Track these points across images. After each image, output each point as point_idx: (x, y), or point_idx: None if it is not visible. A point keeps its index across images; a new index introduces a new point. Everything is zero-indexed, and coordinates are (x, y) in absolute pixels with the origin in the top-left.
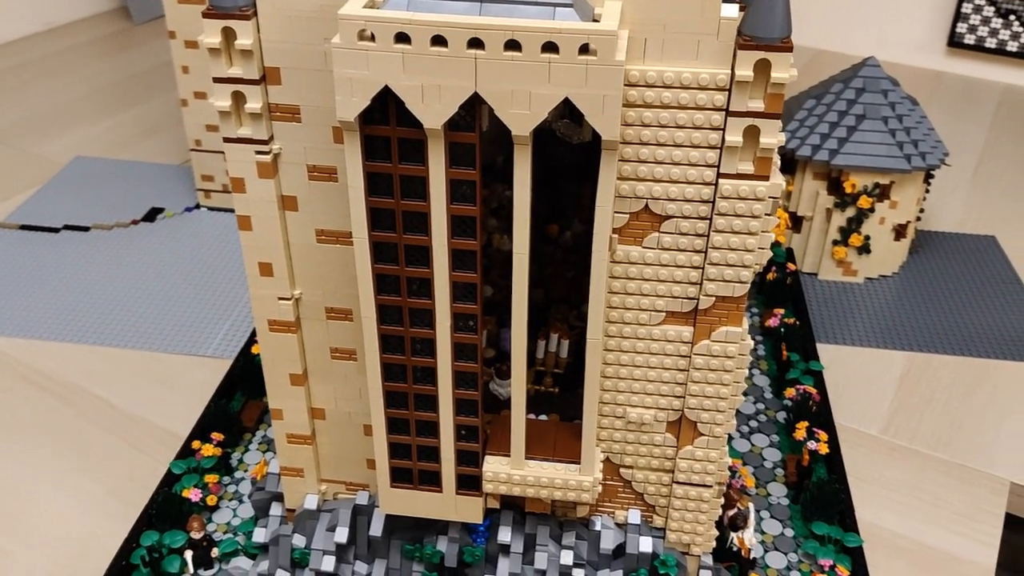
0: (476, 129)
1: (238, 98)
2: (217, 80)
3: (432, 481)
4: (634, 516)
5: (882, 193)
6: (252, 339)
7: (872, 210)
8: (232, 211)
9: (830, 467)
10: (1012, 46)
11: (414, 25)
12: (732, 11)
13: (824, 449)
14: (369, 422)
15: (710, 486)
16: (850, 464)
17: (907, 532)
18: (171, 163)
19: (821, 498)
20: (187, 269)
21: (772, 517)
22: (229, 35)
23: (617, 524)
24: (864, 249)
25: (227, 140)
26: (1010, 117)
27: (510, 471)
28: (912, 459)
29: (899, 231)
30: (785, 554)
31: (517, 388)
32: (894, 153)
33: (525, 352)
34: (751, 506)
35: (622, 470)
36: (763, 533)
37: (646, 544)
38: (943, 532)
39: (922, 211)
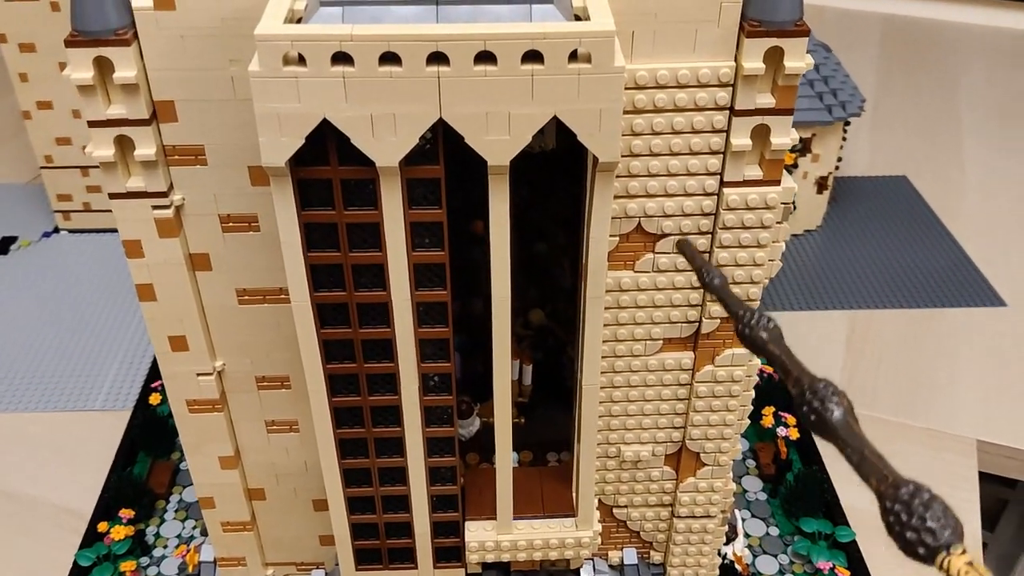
0: (439, 160)
1: (124, 144)
2: (94, 124)
3: (405, 558)
4: (630, 556)
5: (804, 147)
6: (148, 385)
7: (795, 165)
8: (102, 231)
9: (803, 453)
10: None
11: (357, 41)
12: None
13: (795, 434)
14: (319, 496)
15: (714, 517)
16: (819, 443)
17: None
18: (16, 182)
19: (803, 492)
20: (55, 306)
21: (753, 516)
22: (104, 66)
23: (611, 566)
24: None
25: (114, 196)
26: (896, 50)
27: (497, 537)
28: (876, 428)
29: (821, 184)
30: (775, 556)
31: (502, 445)
32: (815, 105)
33: (510, 404)
34: (736, 512)
35: (616, 511)
36: (748, 536)
37: None
38: None
39: (840, 160)
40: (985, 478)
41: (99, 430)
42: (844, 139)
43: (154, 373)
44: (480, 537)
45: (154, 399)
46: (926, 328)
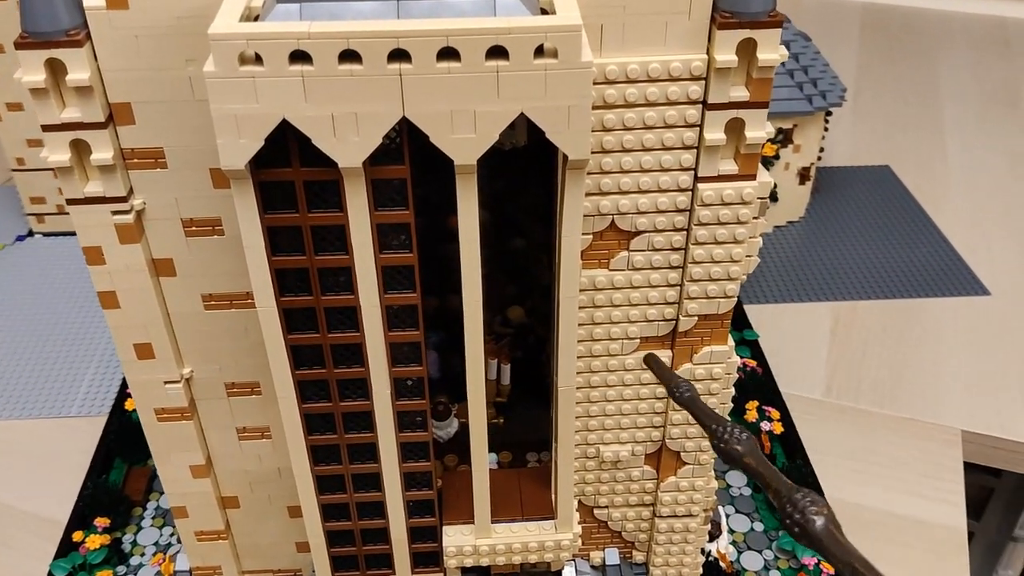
0: (405, 160)
1: (80, 148)
2: (48, 128)
3: (382, 564)
4: (612, 556)
5: (785, 138)
6: (124, 391)
7: (777, 157)
8: (75, 234)
9: (786, 447)
10: None
11: (315, 39)
12: None
13: (778, 428)
14: (294, 503)
15: (696, 516)
16: (803, 437)
17: (871, 503)
18: None
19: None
20: (29, 311)
21: (737, 512)
22: (57, 68)
23: (593, 567)
24: (772, 198)
25: (72, 202)
26: (875, 39)
27: (475, 541)
28: (861, 420)
29: (803, 175)
30: (760, 552)
31: (478, 448)
32: (795, 95)
33: (485, 408)
34: (720, 509)
35: (596, 511)
36: (732, 532)
37: None
38: (908, 497)
39: (822, 151)
40: (970, 467)
41: (75, 437)
42: (826, 129)
43: None
44: (458, 541)
45: (130, 405)
46: (910, 318)
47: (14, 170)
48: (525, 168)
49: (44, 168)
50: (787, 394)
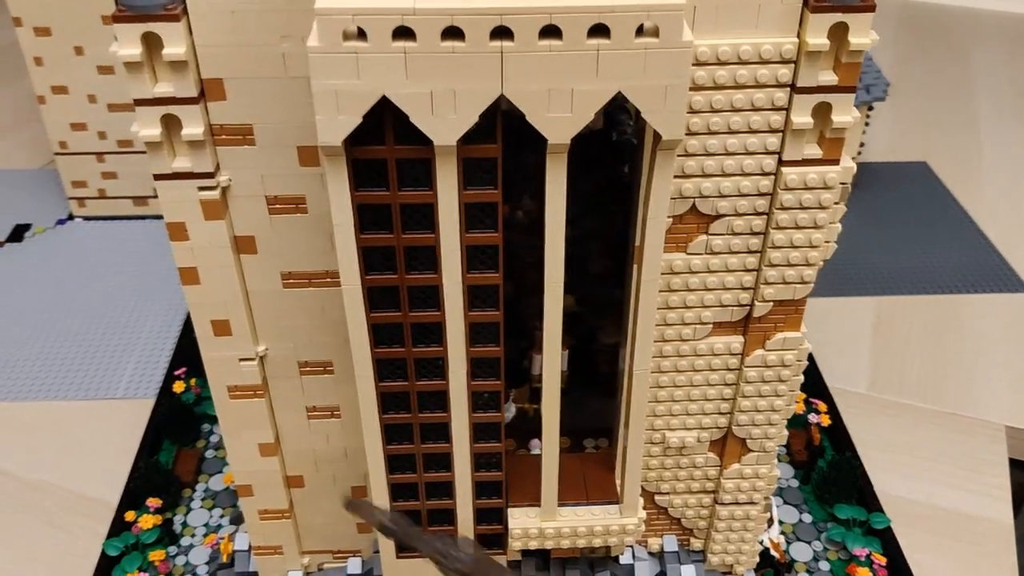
0: (497, 139)
1: (170, 123)
2: (140, 103)
3: None
4: (670, 543)
5: None
6: (171, 373)
7: None
8: (117, 218)
9: (834, 439)
10: None
11: (420, 16)
12: None
13: (826, 420)
14: (358, 483)
15: (757, 503)
16: (849, 430)
17: (918, 496)
18: (29, 168)
19: (837, 478)
20: (71, 294)
21: (786, 503)
22: (152, 42)
23: (651, 553)
24: None
25: (159, 177)
26: (912, 36)
27: (541, 524)
28: (905, 414)
29: None
30: (808, 543)
31: (549, 431)
32: None
33: (559, 396)
34: (771, 499)
35: (657, 497)
36: (781, 523)
37: (688, 572)
38: (954, 491)
39: (863, 145)
40: (1013, 464)
41: (121, 419)
42: (867, 123)
43: (177, 361)
44: (523, 524)
45: (178, 387)
46: (950, 314)
47: (57, 154)
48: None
49: (87, 152)
50: (832, 387)
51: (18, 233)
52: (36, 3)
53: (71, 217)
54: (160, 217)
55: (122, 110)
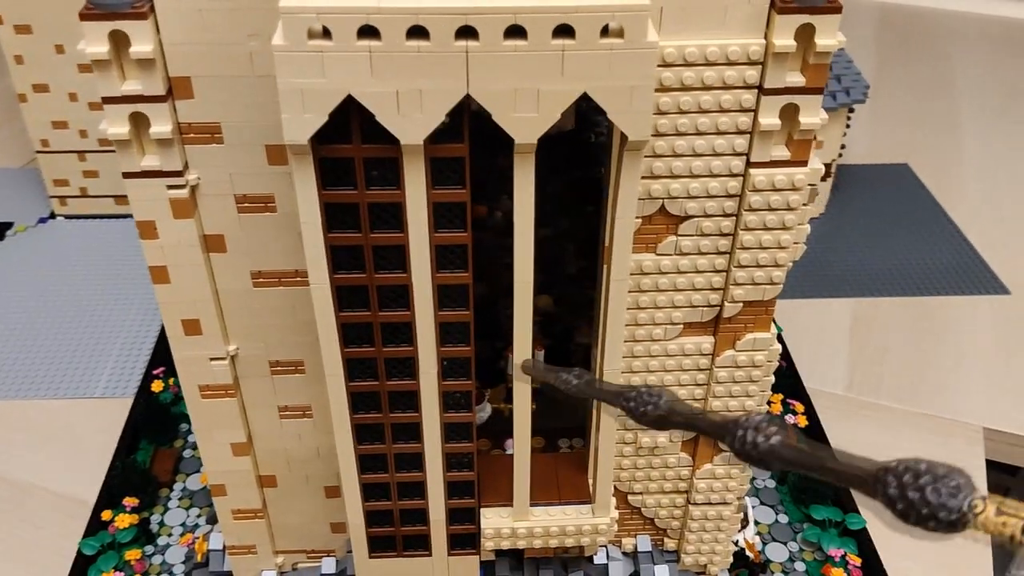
0: (464, 138)
1: (138, 121)
2: (108, 100)
3: (419, 545)
4: (644, 543)
5: None
6: (150, 373)
7: None
8: (99, 217)
9: (811, 440)
10: None
11: (385, 14)
12: None
13: (803, 421)
14: (331, 483)
15: (730, 503)
16: (827, 432)
17: None
18: (10, 166)
19: (813, 479)
20: (52, 293)
21: (762, 504)
22: (120, 41)
23: (625, 553)
24: None
25: (128, 175)
26: (893, 39)
27: (513, 524)
28: (882, 416)
29: (824, 171)
30: (784, 544)
31: (521, 430)
32: None
33: (529, 395)
34: (746, 500)
35: (630, 497)
36: (757, 524)
37: (662, 572)
38: None
39: (843, 147)
40: (989, 466)
41: (100, 417)
42: (848, 126)
43: (155, 360)
44: (496, 524)
45: (156, 386)
46: (929, 316)
47: (38, 152)
48: (551, 156)
49: (68, 150)
50: (810, 388)
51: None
52: (17, 1)
53: (52, 216)
54: None
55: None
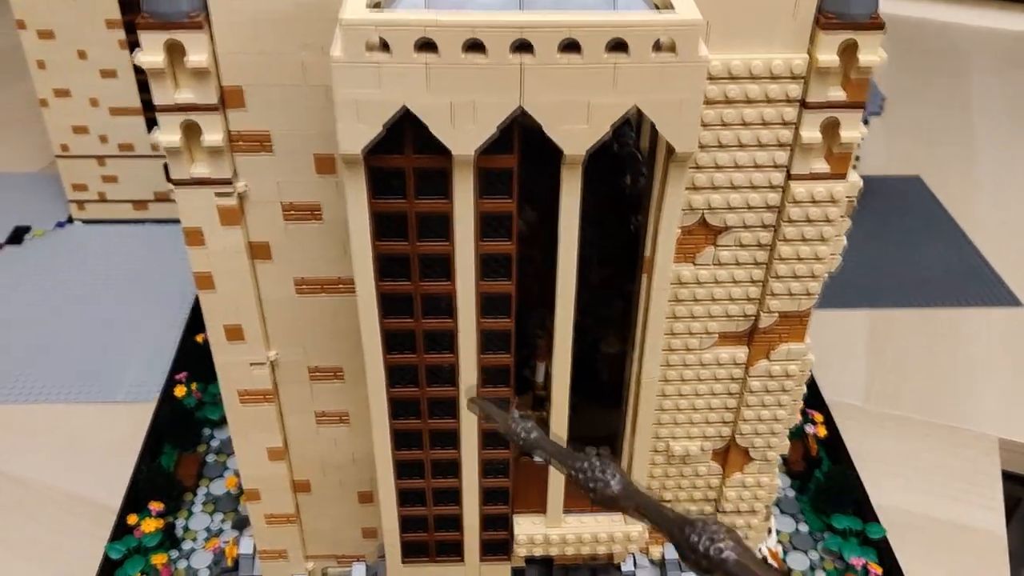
0: (514, 150)
1: (190, 130)
2: (162, 109)
3: (452, 551)
4: (671, 551)
5: None
6: (173, 377)
7: None
8: (117, 222)
9: (830, 450)
10: None
11: (443, 28)
12: None
13: (823, 432)
14: (364, 488)
15: (758, 512)
16: (845, 441)
17: (913, 507)
18: (29, 170)
19: (833, 488)
20: (70, 297)
21: (783, 513)
22: (175, 51)
23: (652, 561)
24: None
25: (178, 183)
26: (907, 51)
27: (546, 531)
28: (900, 426)
29: None
30: (805, 552)
31: (557, 436)
32: None
33: (567, 400)
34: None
35: None
36: (778, 533)
37: None
38: (948, 502)
39: (858, 159)
40: (1005, 476)
41: (122, 422)
42: (863, 138)
43: (178, 365)
44: (529, 531)
45: (179, 391)
46: (944, 328)
47: (58, 156)
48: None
49: (88, 155)
50: (829, 399)
51: (18, 235)
52: (40, 7)
53: (71, 220)
54: (159, 221)
55: (124, 114)
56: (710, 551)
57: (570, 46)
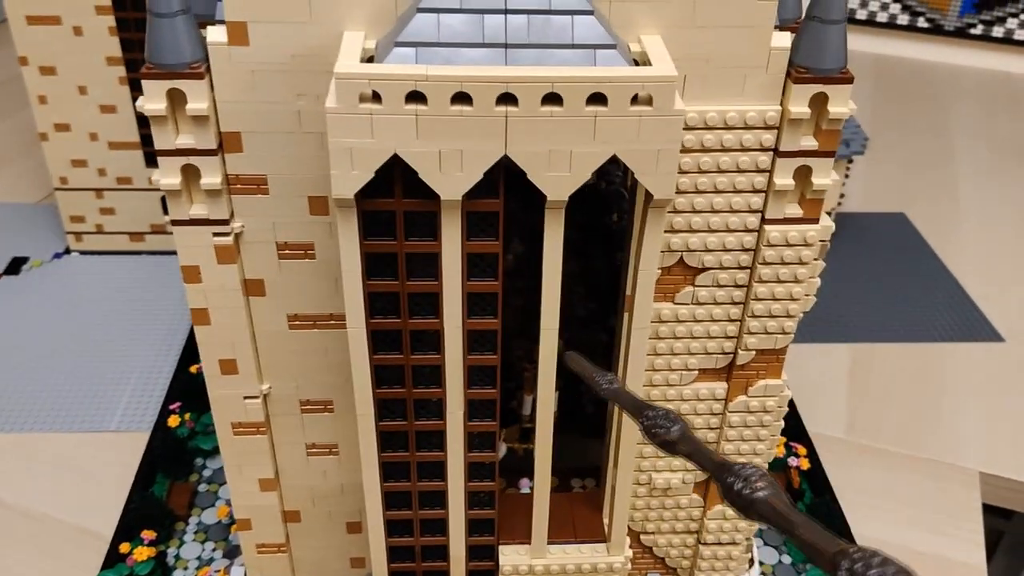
0: (499, 195)
1: (189, 172)
2: (163, 153)
3: None
4: None
5: None
6: (166, 408)
7: None
8: (114, 253)
9: (813, 482)
10: (882, 17)
11: (432, 82)
12: (784, 40)
13: (805, 464)
14: (353, 518)
15: (739, 544)
16: (828, 474)
17: (894, 539)
18: (27, 202)
19: (816, 520)
20: (67, 327)
21: (766, 544)
22: (176, 98)
23: None
24: None
25: (177, 223)
26: (888, 89)
27: (531, 561)
28: (882, 459)
29: None
30: None
31: (542, 471)
32: None
33: (551, 431)
34: (752, 540)
35: (643, 536)
36: (761, 564)
37: None
38: (929, 535)
39: (842, 196)
40: (985, 509)
41: (115, 451)
42: (847, 175)
43: (172, 395)
44: (514, 561)
45: (172, 421)
46: (926, 362)
47: (57, 188)
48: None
49: (86, 188)
50: (812, 432)
51: (15, 266)
52: (42, 43)
53: (68, 251)
54: (155, 253)
55: (122, 148)
56: (743, 492)
57: (552, 98)
